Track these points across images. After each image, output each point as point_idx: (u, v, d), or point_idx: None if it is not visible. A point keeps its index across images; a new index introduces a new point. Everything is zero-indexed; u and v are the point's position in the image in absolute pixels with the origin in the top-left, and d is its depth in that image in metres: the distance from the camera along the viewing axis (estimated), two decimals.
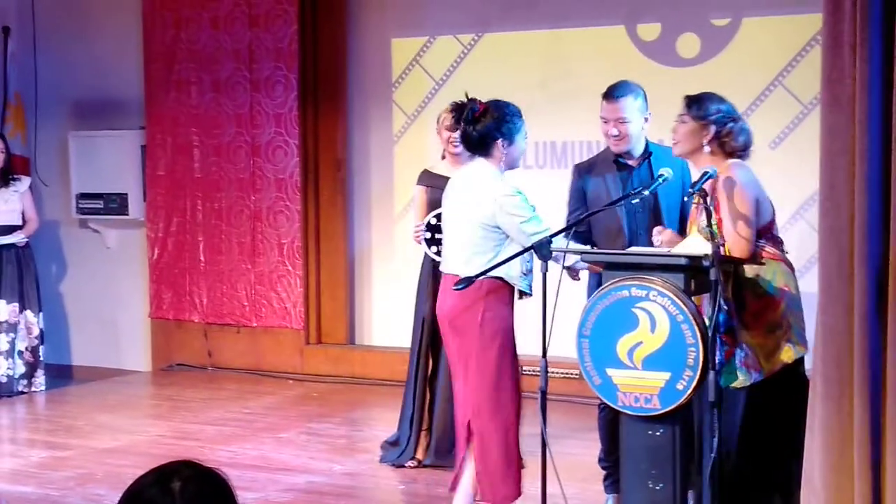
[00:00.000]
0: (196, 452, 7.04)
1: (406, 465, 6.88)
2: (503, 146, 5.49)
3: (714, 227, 4.98)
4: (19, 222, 9.37)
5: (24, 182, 9.51)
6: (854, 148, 4.11)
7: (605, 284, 5.09)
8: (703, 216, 4.97)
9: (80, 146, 10.22)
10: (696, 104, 5.17)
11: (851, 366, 4.18)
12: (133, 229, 10.28)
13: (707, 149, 5.14)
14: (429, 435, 6.90)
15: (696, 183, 5.17)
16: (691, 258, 4.92)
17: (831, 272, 4.21)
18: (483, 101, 5.59)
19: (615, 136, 5.76)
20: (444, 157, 7.02)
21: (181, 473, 2.47)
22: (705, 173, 5.25)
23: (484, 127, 5.47)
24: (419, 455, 6.90)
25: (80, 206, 10.26)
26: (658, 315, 4.92)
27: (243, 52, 9.64)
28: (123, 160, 10.10)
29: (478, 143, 5.51)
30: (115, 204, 10.14)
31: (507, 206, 5.39)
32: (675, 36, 8.47)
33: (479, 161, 5.54)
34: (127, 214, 10.14)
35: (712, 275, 4.74)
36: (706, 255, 4.78)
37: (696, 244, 5.09)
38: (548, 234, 5.23)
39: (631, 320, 4.97)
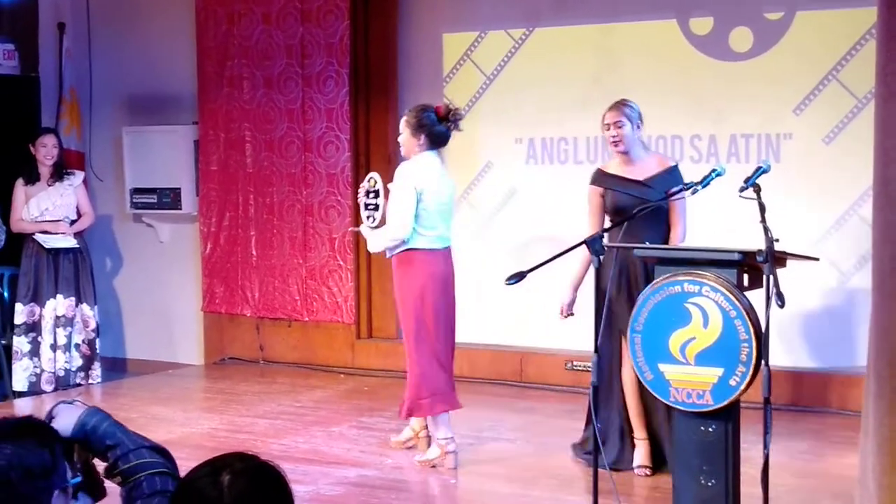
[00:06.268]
0: (248, 445, 7.09)
1: (638, 473, 6.50)
2: None
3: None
4: (75, 216, 9.47)
5: (79, 177, 9.59)
6: None
7: (658, 279, 5.08)
8: None
9: (133, 141, 10.30)
10: None
11: None
12: (186, 224, 10.35)
13: None
14: (650, 442, 6.52)
15: (749, 177, 5.13)
16: (745, 253, 4.90)
17: (885, 268, 4.16)
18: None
19: None
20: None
21: (233, 467, 2.48)
22: (759, 168, 5.22)
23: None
24: (643, 461, 6.50)
25: (134, 200, 10.34)
26: (711, 310, 4.90)
27: (295, 47, 9.67)
28: (176, 155, 10.17)
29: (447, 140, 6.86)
30: (168, 199, 10.21)
31: None
32: (728, 30, 8.41)
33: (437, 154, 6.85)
34: (180, 209, 10.21)
35: (765, 270, 4.71)
36: (760, 251, 4.76)
37: None
38: None
39: (684, 315, 4.96)
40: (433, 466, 6.80)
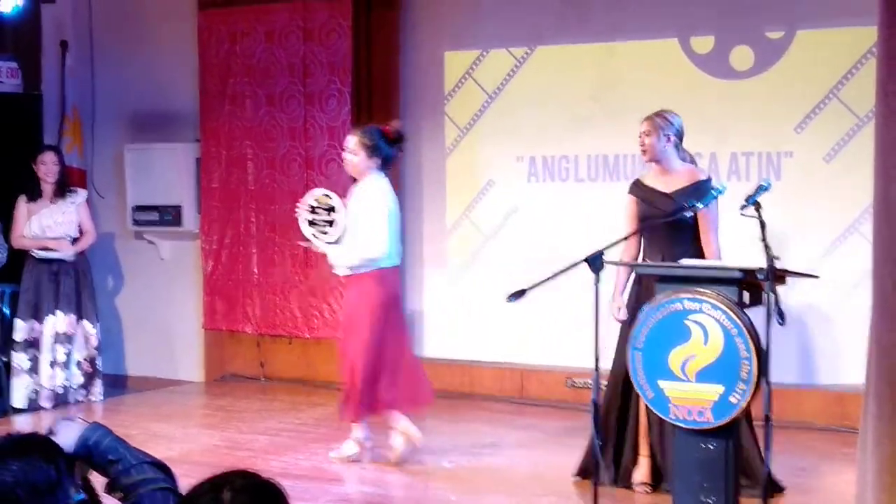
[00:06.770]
0: (249, 462, 7.08)
1: (638, 491, 6.43)
2: None
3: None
4: (76, 234, 9.47)
5: (81, 195, 9.60)
6: None
7: (659, 297, 5.09)
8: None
9: (135, 159, 10.32)
10: None
11: None
12: (187, 241, 10.36)
13: None
14: (652, 460, 6.44)
15: (751, 195, 5.15)
16: (745, 271, 4.91)
17: (885, 286, 4.16)
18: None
19: None
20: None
21: (234, 483, 2.48)
22: (760, 186, 5.24)
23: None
24: (644, 479, 6.42)
25: (136, 218, 10.35)
26: (711, 328, 4.91)
27: (297, 65, 9.69)
28: (178, 173, 10.18)
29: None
30: (169, 216, 10.22)
31: None
32: (729, 48, 8.44)
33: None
34: (181, 226, 10.22)
35: (766, 288, 4.72)
36: (760, 269, 4.77)
37: None
38: None
39: (684, 333, 4.97)
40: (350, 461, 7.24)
